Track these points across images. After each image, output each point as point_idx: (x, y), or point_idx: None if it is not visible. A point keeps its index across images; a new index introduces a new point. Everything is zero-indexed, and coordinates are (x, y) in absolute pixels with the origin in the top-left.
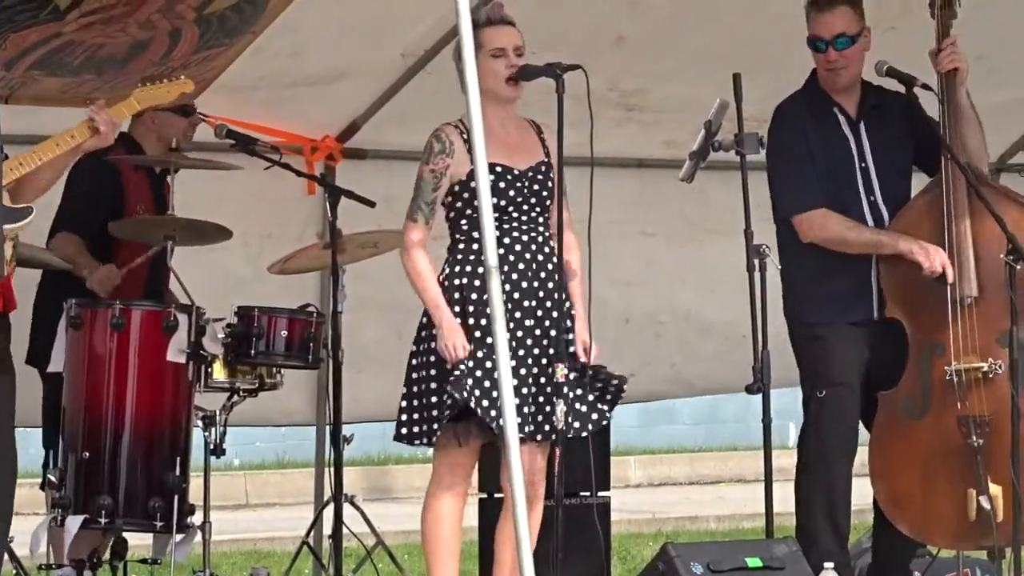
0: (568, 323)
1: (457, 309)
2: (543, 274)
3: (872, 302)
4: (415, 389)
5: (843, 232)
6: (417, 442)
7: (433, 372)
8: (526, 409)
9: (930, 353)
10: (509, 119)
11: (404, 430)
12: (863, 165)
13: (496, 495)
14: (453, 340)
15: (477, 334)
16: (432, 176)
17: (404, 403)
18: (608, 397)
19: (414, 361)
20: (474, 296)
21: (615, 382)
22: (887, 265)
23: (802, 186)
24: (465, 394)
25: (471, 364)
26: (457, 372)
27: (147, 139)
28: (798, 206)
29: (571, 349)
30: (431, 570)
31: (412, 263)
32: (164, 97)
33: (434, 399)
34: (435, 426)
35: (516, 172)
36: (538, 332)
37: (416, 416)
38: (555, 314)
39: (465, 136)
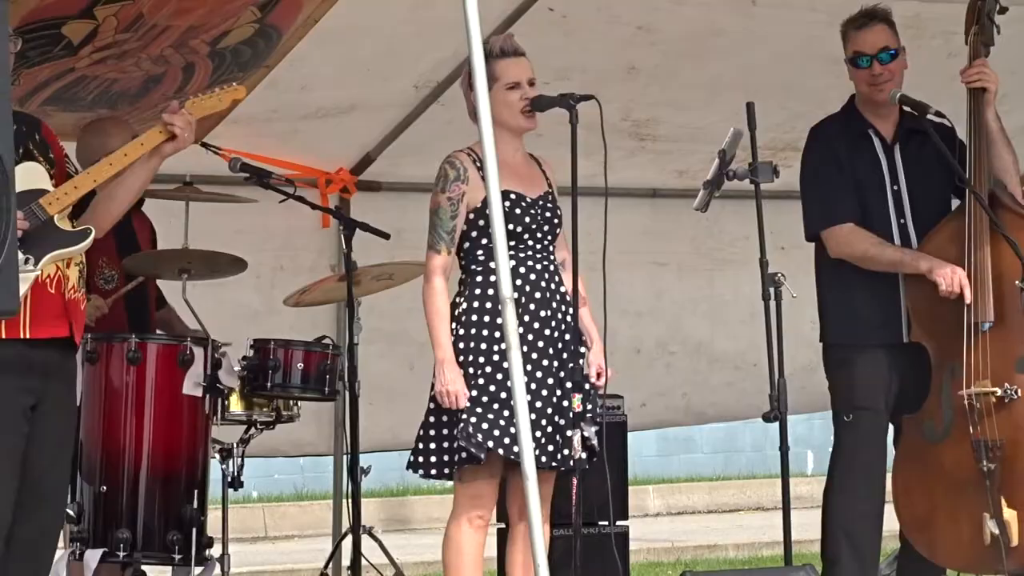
0: (583, 350)
1: (484, 346)
2: (555, 303)
3: (901, 324)
4: (432, 419)
5: (867, 248)
6: (434, 472)
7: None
8: (543, 439)
9: (950, 376)
10: (519, 150)
11: (420, 458)
12: (895, 188)
13: None
14: (456, 389)
15: (507, 365)
16: (450, 204)
17: (421, 432)
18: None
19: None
20: (498, 331)
21: (604, 406)
22: (912, 287)
23: (831, 201)
24: (480, 438)
25: (494, 398)
26: (465, 417)
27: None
28: (826, 220)
29: (584, 373)
30: None
31: (432, 299)
32: (217, 106)
33: (453, 431)
34: (455, 458)
35: (529, 200)
36: (556, 362)
37: (433, 447)
38: (572, 345)
39: (478, 164)
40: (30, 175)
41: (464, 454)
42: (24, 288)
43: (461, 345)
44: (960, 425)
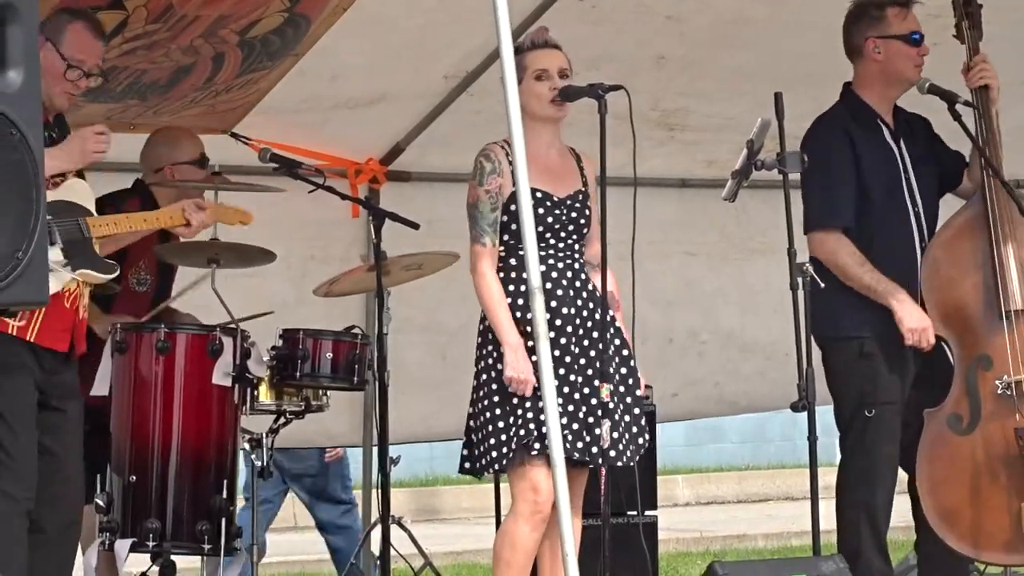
0: (626, 352)
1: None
2: (580, 301)
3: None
4: (482, 418)
5: (848, 264)
6: (489, 471)
7: (496, 398)
8: (572, 435)
9: (976, 367)
10: (553, 145)
11: (467, 463)
12: (907, 176)
13: None
14: (527, 377)
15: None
16: (489, 197)
17: (473, 436)
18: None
19: (474, 383)
20: (523, 326)
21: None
22: (928, 279)
23: (827, 202)
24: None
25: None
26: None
27: (164, 192)
28: (816, 222)
29: (621, 372)
30: None
31: (487, 290)
32: (230, 220)
33: (500, 424)
34: (504, 451)
35: (556, 199)
36: (582, 360)
37: (486, 444)
38: (596, 338)
39: (508, 158)
40: (80, 191)
41: (513, 444)
42: (55, 287)
43: (482, 339)
44: (993, 414)
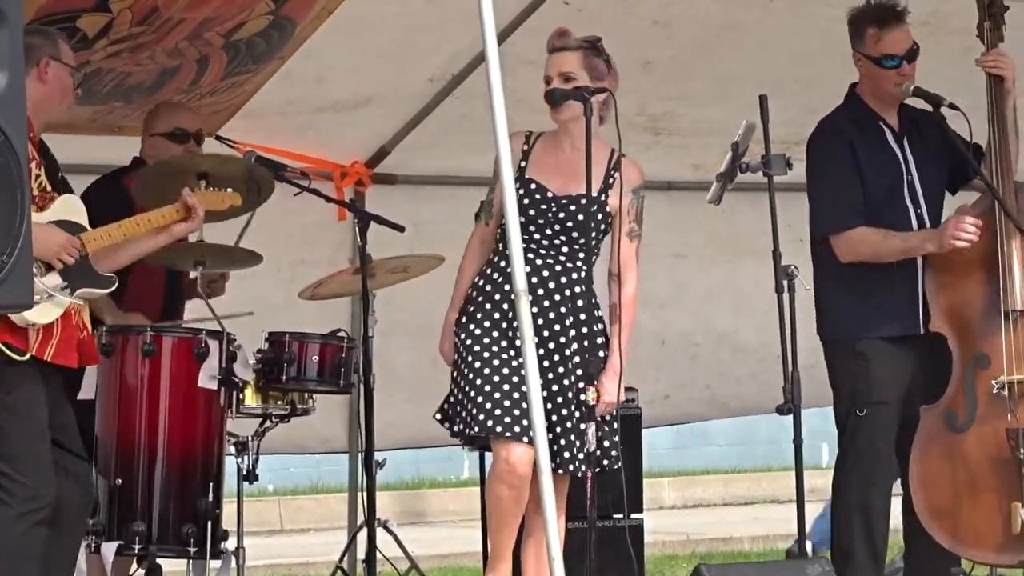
0: (597, 358)
1: (472, 326)
2: (562, 305)
3: (919, 314)
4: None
5: (875, 247)
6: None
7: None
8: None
9: (974, 366)
10: (574, 145)
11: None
12: (909, 179)
13: None
14: (444, 347)
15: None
16: (494, 178)
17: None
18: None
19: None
20: (472, 305)
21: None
22: (932, 277)
23: (840, 204)
24: (448, 422)
25: (469, 379)
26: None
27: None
28: (834, 225)
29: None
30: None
31: (462, 260)
32: (218, 204)
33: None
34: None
35: (550, 195)
36: (560, 366)
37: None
38: (575, 344)
39: (525, 146)
40: (71, 207)
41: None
42: (57, 313)
43: (458, 321)
44: (988, 414)
